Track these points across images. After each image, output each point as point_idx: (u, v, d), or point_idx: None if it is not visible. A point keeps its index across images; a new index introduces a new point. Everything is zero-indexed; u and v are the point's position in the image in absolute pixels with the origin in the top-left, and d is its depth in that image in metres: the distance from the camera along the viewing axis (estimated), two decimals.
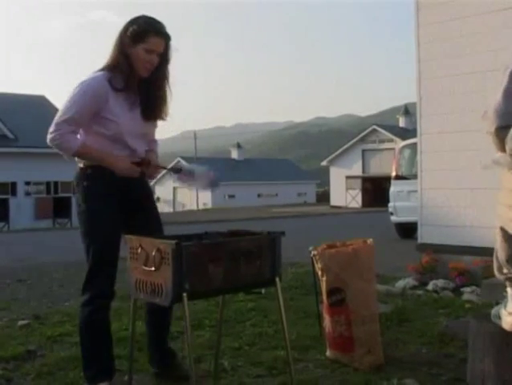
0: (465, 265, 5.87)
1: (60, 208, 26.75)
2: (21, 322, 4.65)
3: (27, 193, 27.62)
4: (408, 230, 12.20)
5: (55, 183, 27.68)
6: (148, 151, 3.15)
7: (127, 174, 2.96)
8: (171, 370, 3.23)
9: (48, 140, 2.87)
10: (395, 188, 13.11)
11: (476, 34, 5.95)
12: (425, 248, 6.38)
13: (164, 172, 3.35)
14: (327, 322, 3.56)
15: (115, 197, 2.97)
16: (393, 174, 13.35)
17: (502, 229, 2.60)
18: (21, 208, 26.49)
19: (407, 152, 12.99)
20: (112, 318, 3.15)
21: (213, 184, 3.19)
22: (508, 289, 2.71)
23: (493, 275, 2.93)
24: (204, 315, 4.64)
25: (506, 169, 2.51)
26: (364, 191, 43.85)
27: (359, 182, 44.30)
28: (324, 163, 47.44)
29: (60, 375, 3.33)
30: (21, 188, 27.31)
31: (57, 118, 2.86)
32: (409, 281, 6.09)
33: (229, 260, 2.64)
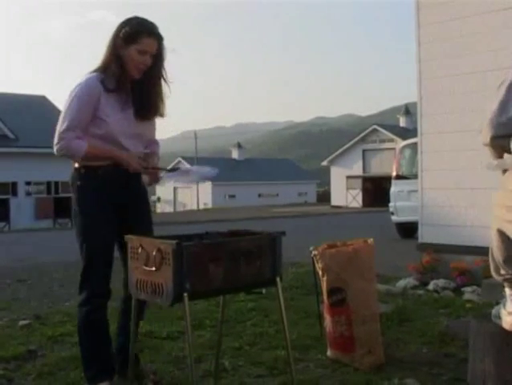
0: (465, 265, 5.87)
1: (61, 209, 26.73)
2: (21, 322, 4.66)
3: (28, 193, 27.63)
4: (408, 230, 12.20)
5: (56, 183, 27.68)
6: (148, 155, 3.16)
7: (134, 167, 2.98)
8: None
9: (55, 151, 2.92)
10: (395, 187, 13.11)
11: (476, 34, 5.95)
12: (426, 247, 6.38)
13: (163, 173, 3.34)
14: (327, 321, 3.56)
15: (108, 197, 2.99)
16: (394, 174, 13.36)
17: (499, 231, 2.60)
18: (21, 208, 26.50)
19: (407, 152, 12.99)
20: (112, 318, 3.15)
21: (203, 177, 3.22)
22: (506, 290, 2.71)
23: None
24: (204, 315, 4.64)
25: (511, 170, 2.53)
26: (365, 191, 43.85)
27: (359, 182, 44.31)
28: (325, 163, 47.45)
29: (61, 375, 3.34)
30: (21, 188, 27.32)
31: (59, 128, 2.89)
32: (410, 280, 6.09)
33: (230, 260, 2.64)
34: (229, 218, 24.71)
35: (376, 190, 40.33)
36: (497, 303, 2.88)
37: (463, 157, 6.04)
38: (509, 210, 2.51)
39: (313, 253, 3.57)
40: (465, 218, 6.05)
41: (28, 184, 27.56)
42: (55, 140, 2.89)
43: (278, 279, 2.81)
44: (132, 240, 2.69)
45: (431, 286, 5.82)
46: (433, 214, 6.44)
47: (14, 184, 26.98)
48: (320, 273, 3.55)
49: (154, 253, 2.52)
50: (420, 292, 5.65)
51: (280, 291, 2.81)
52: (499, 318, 2.77)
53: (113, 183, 3.00)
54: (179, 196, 56.55)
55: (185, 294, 2.48)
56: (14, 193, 27.07)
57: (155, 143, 3.27)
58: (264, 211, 34.01)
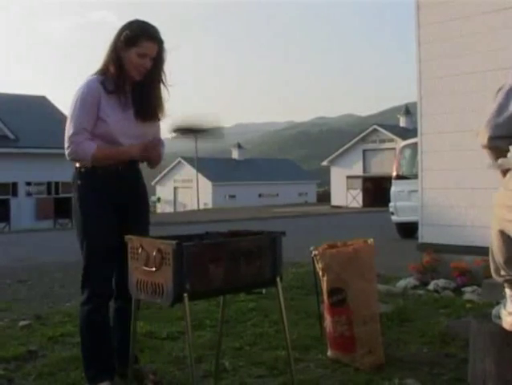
0: (466, 265, 5.87)
1: (61, 209, 26.72)
2: (22, 323, 4.66)
3: (28, 194, 27.62)
4: (408, 230, 12.20)
5: (56, 183, 27.68)
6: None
7: (145, 154, 3.05)
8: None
9: (67, 156, 2.99)
10: (395, 187, 13.12)
11: (476, 33, 5.95)
12: (426, 247, 6.38)
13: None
14: (327, 322, 3.56)
15: (108, 196, 3.02)
16: (394, 174, 13.37)
17: (500, 231, 2.60)
18: (22, 209, 26.50)
19: (407, 152, 13.00)
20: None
21: None
22: (507, 290, 2.71)
23: None
24: (204, 315, 4.64)
25: None
26: (365, 191, 43.83)
27: (359, 182, 44.29)
28: (325, 163, 47.43)
29: (61, 376, 3.34)
30: (22, 189, 27.31)
31: (67, 133, 2.96)
32: (410, 280, 6.08)
33: (230, 260, 2.64)
34: (230, 218, 24.70)
35: (376, 190, 40.30)
36: (498, 303, 2.88)
37: (463, 157, 6.03)
38: (510, 210, 2.51)
39: (313, 253, 3.57)
40: (466, 218, 6.05)
41: (28, 184, 27.56)
42: (66, 145, 2.96)
43: (278, 279, 2.81)
44: (132, 240, 2.69)
45: (431, 286, 5.82)
46: (433, 214, 6.44)
47: (15, 185, 26.98)
48: (320, 273, 3.55)
49: (154, 254, 2.52)
50: (421, 292, 5.65)
51: (280, 291, 2.82)
52: (499, 318, 2.77)
53: (113, 183, 3.03)
54: (179, 197, 56.53)
55: (185, 295, 2.48)
56: (15, 194, 27.07)
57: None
58: (264, 211, 34.00)
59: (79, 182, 3.03)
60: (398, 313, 4.58)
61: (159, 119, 3.17)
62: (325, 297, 3.54)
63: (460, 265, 5.89)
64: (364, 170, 44.09)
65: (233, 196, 54.02)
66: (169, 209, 53.75)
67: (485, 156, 2.72)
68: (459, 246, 6.05)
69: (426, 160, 6.47)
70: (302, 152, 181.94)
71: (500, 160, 2.56)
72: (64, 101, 3.03)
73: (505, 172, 2.61)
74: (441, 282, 5.83)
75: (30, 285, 7.15)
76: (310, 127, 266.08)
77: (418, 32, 6.46)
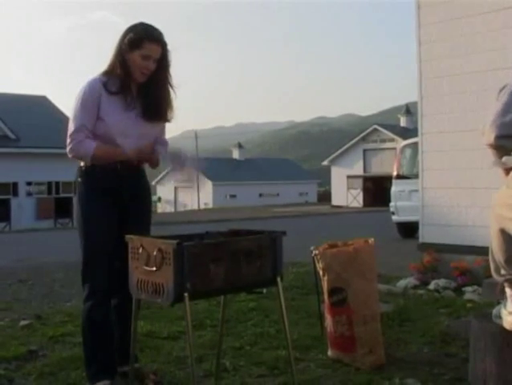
0: (466, 265, 5.87)
1: (61, 209, 26.76)
2: (22, 322, 4.66)
3: (29, 193, 27.63)
4: (409, 230, 12.20)
5: (57, 183, 27.70)
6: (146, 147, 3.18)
7: (139, 155, 3.07)
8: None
9: (68, 153, 3.04)
10: (396, 187, 13.11)
11: (476, 33, 5.94)
12: (427, 247, 6.38)
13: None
14: (328, 321, 3.56)
15: (108, 194, 3.06)
16: (394, 173, 13.36)
17: (501, 231, 2.59)
18: (22, 209, 26.51)
19: (408, 152, 12.99)
20: None
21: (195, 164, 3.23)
22: (507, 290, 2.71)
23: None
24: (205, 315, 4.64)
25: None
26: (365, 190, 43.84)
27: (360, 182, 44.30)
28: (325, 162, 47.45)
29: (62, 376, 3.34)
30: (22, 189, 27.33)
31: (68, 131, 3.02)
32: (411, 280, 6.08)
33: (231, 260, 2.64)
34: (230, 218, 24.70)
35: (377, 190, 40.32)
36: (498, 303, 2.88)
37: (464, 157, 6.03)
38: (510, 208, 2.51)
39: (314, 252, 3.57)
40: (466, 218, 6.05)
41: (29, 184, 27.57)
42: (67, 142, 3.02)
43: (278, 279, 2.81)
44: (132, 240, 2.70)
45: (432, 286, 5.81)
46: (434, 214, 6.44)
47: (15, 185, 26.99)
48: (321, 272, 3.55)
49: (155, 253, 2.53)
50: (421, 292, 5.65)
51: (281, 291, 2.82)
52: (500, 317, 2.77)
53: (113, 181, 3.06)
54: (180, 196, 56.53)
55: (186, 294, 2.48)
56: (15, 193, 27.08)
57: (160, 144, 3.29)
58: (265, 211, 34.01)
59: (79, 179, 3.09)
60: (398, 312, 4.57)
61: (166, 120, 3.21)
62: (325, 296, 3.54)
63: (460, 265, 5.89)
64: (365, 170, 44.09)
65: (233, 196, 54.03)
66: (170, 209, 53.77)
67: (486, 156, 2.72)
68: (460, 246, 6.05)
69: (427, 159, 6.46)
70: (302, 152, 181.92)
71: (504, 158, 2.56)
72: (65, 101, 3.06)
73: (508, 171, 2.61)
74: (442, 282, 5.83)
75: (31, 284, 7.15)
76: (310, 126, 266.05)
77: (418, 32, 6.46)
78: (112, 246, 3.01)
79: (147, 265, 2.58)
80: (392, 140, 39.95)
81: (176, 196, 56.94)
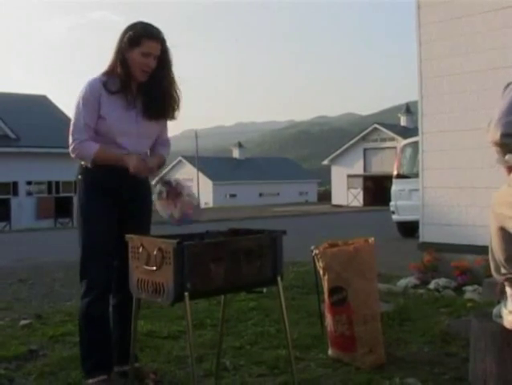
0: (466, 264, 5.87)
1: (62, 208, 26.74)
2: (23, 322, 4.66)
3: (29, 193, 27.64)
4: (409, 229, 12.20)
5: (57, 182, 27.69)
6: (148, 157, 3.20)
7: (138, 170, 3.02)
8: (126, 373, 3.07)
9: (70, 153, 3.05)
10: (396, 186, 13.11)
11: (476, 33, 5.94)
12: (427, 247, 6.38)
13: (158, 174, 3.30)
14: (328, 321, 3.56)
15: (108, 192, 3.07)
16: (395, 173, 13.36)
17: (501, 229, 2.59)
18: (22, 208, 26.51)
19: (408, 151, 13.00)
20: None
21: (185, 220, 3.02)
22: (507, 289, 2.71)
23: None
24: (205, 315, 4.64)
25: None
26: (366, 190, 43.84)
27: (360, 181, 44.29)
28: (325, 162, 47.43)
29: (62, 375, 3.34)
30: (22, 188, 27.32)
31: (71, 131, 3.03)
32: (411, 280, 6.08)
33: (231, 259, 2.64)
34: (230, 217, 24.70)
35: (377, 189, 40.31)
36: (499, 302, 2.88)
37: (464, 156, 6.03)
38: (510, 206, 2.51)
39: (314, 252, 3.57)
40: (466, 217, 6.05)
41: (29, 183, 27.57)
42: (69, 142, 3.03)
43: (278, 278, 2.81)
44: (132, 239, 2.70)
45: (432, 285, 5.81)
46: (434, 213, 6.44)
47: (15, 184, 26.99)
48: (321, 272, 3.55)
49: (155, 253, 2.53)
50: (421, 291, 5.65)
51: (281, 290, 2.81)
52: (500, 317, 2.77)
53: (113, 180, 3.07)
54: None
55: (186, 294, 2.48)
56: (15, 193, 27.08)
57: (161, 144, 3.30)
58: (265, 210, 34.01)
59: (80, 177, 3.10)
60: (399, 312, 4.57)
61: (167, 119, 3.21)
62: (326, 296, 3.54)
63: (461, 264, 5.89)
64: (365, 169, 44.09)
65: (233, 196, 54.03)
66: None
67: (486, 155, 2.73)
68: (460, 245, 6.05)
69: (427, 159, 6.46)
70: (302, 151, 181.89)
71: (507, 156, 2.56)
72: (65, 100, 3.07)
73: (510, 169, 2.61)
74: (442, 281, 5.83)
75: (31, 284, 7.15)
76: (310, 126, 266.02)
77: (419, 31, 6.46)
78: (112, 245, 3.02)
79: (147, 265, 2.58)
80: (393, 140, 39.95)
81: None
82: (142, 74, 3.04)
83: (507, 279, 2.68)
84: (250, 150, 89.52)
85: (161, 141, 3.30)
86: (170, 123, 3.27)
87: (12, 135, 26.33)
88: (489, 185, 5.22)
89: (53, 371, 3.40)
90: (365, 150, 43.85)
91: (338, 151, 45.78)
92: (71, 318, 4.64)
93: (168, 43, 3.08)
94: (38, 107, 28.79)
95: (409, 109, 46.33)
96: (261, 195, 55.46)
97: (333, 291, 3.47)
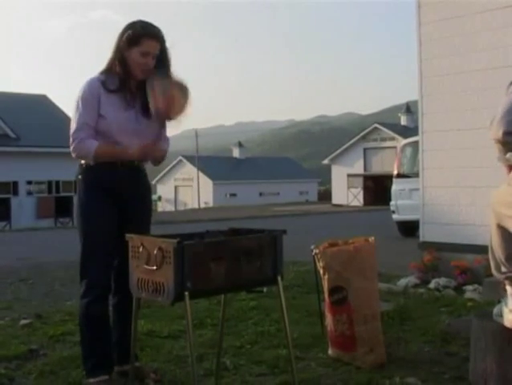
0: (467, 264, 5.87)
1: (62, 208, 26.75)
2: (23, 322, 4.65)
3: (29, 193, 27.64)
4: (409, 228, 12.20)
5: (57, 182, 27.71)
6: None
7: (143, 154, 3.06)
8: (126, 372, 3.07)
9: (71, 152, 3.04)
10: (397, 186, 13.11)
11: (477, 32, 5.94)
12: (427, 246, 6.38)
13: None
14: (328, 320, 3.56)
15: (107, 192, 3.06)
16: (395, 172, 13.37)
17: (501, 228, 2.60)
18: (22, 208, 26.52)
19: (408, 151, 13.00)
20: None
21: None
22: (508, 288, 2.71)
23: None
24: (205, 314, 4.64)
25: None
26: (366, 189, 43.82)
27: (360, 180, 44.27)
28: (326, 161, 47.41)
29: (62, 374, 3.33)
30: (22, 188, 27.34)
31: (71, 130, 3.03)
32: (411, 279, 6.08)
33: (231, 259, 2.64)
34: (230, 217, 24.69)
35: (377, 189, 40.29)
36: (499, 301, 2.88)
37: (464, 155, 6.03)
38: (509, 206, 2.51)
39: (314, 251, 3.57)
40: (467, 216, 6.05)
41: (29, 183, 27.58)
42: (70, 141, 3.02)
43: (279, 278, 2.81)
44: (132, 239, 2.70)
45: (432, 285, 5.81)
46: (434, 212, 6.44)
47: (15, 184, 27.00)
48: (321, 271, 3.55)
49: (155, 252, 2.53)
50: (422, 290, 5.65)
51: (281, 290, 2.81)
52: (501, 316, 2.77)
53: (113, 180, 3.07)
54: (180, 195, 56.55)
55: (186, 293, 2.48)
56: (15, 193, 27.09)
57: (162, 140, 3.28)
58: (265, 210, 34.00)
59: (79, 176, 3.10)
60: (399, 311, 4.57)
61: (170, 118, 3.16)
62: (326, 295, 3.54)
63: (461, 264, 5.89)
64: (365, 168, 44.07)
65: (233, 195, 54.02)
66: (170, 208, 53.78)
67: (486, 155, 2.73)
68: (460, 245, 6.05)
69: (427, 158, 6.46)
70: (302, 151, 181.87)
71: (508, 154, 2.56)
72: (65, 100, 3.07)
73: (510, 168, 2.61)
74: (442, 281, 5.83)
75: (31, 284, 7.15)
76: (310, 125, 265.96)
77: (419, 31, 6.46)
78: (112, 245, 3.02)
79: (147, 264, 2.58)
80: (393, 139, 39.94)
81: (177, 194, 56.95)
82: (141, 73, 3.03)
83: (507, 278, 2.68)
84: (250, 149, 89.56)
85: (161, 138, 3.29)
86: (169, 124, 3.25)
87: (12, 135, 26.34)
88: (490, 184, 5.21)
89: (53, 371, 3.40)
90: (365, 149, 43.83)
91: (338, 151, 45.76)
92: (72, 317, 4.64)
93: (168, 43, 3.08)
94: (39, 107, 28.80)
95: (409, 108, 46.31)
96: (261, 194, 55.44)
97: (333, 291, 3.47)
